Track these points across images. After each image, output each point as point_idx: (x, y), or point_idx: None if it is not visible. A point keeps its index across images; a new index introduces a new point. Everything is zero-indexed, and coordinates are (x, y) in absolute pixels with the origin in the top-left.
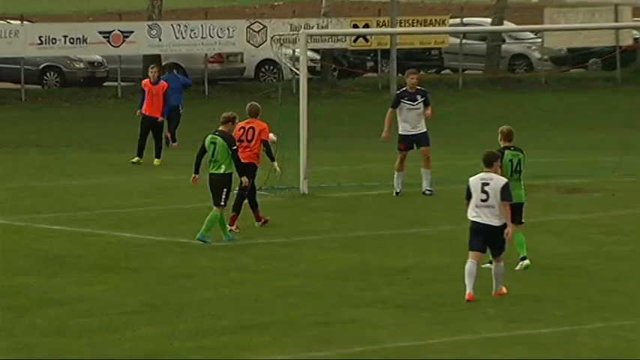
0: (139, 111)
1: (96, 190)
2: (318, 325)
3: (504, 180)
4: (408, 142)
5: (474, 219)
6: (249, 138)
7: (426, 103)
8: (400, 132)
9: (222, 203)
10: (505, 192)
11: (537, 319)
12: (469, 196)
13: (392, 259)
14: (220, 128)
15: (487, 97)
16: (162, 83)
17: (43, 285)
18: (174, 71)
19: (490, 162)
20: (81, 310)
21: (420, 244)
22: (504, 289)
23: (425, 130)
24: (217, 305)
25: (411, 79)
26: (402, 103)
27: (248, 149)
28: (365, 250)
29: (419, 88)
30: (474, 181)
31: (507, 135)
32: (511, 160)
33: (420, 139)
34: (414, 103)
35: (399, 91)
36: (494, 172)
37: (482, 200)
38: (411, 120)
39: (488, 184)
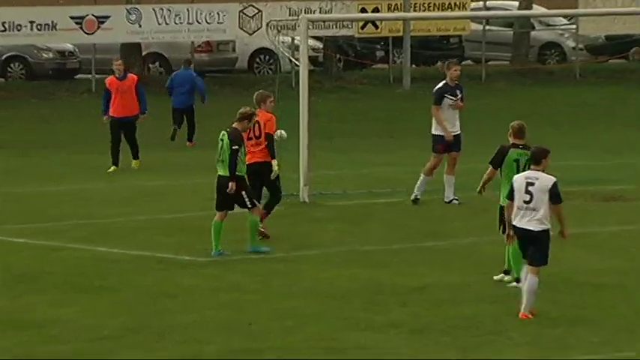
0: (105, 116)
1: (67, 198)
2: (319, 351)
3: (552, 179)
4: (447, 144)
5: (514, 223)
6: (257, 134)
7: (462, 100)
8: (436, 132)
9: (250, 205)
10: (554, 193)
11: (571, 346)
12: (512, 196)
13: (405, 276)
14: (234, 125)
15: (514, 91)
16: (131, 76)
17: (7, 306)
18: (191, 68)
19: (538, 159)
20: (50, 334)
21: (438, 259)
22: (531, 314)
23: (460, 131)
24: (203, 329)
25: (454, 72)
26: (445, 99)
27: (259, 146)
28: (374, 266)
29: (457, 82)
30: (519, 179)
31: (518, 131)
32: (517, 160)
33: (454, 143)
34: (455, 99)
35: (439, 86)
36: (543, 171)
37: (525, 202)
38: (450, 118)
39: (533, 183)
